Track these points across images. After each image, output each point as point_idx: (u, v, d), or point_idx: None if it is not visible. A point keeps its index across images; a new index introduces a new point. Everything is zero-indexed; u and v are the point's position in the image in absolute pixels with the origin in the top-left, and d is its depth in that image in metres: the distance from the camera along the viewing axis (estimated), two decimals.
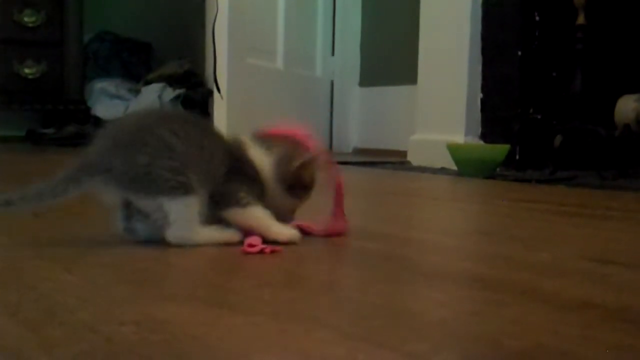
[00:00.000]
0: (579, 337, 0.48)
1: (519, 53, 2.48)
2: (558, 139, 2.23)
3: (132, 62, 4.11)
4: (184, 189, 0.75)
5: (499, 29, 2.52)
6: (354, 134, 3.54)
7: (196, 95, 3.63)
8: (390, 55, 3.32)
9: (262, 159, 0.84)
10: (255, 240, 0.79)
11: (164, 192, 0.75)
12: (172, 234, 0.77)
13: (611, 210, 1.36)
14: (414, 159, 2.70)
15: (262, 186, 0.83)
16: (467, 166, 2.21)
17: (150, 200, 0.76)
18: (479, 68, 2.56)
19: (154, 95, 3.53)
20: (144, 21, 4.23)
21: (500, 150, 2.23)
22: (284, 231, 0.82)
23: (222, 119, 2.46)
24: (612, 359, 0.44)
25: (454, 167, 2.31)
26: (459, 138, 2.52)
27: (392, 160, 2.77)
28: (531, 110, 2.51)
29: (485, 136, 2.57)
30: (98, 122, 3.39)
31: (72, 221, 1.01)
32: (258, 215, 0.82)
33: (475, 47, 2.54)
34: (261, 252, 0.76)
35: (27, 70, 3.37)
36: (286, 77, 2.93)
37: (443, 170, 2.39)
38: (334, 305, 0.57)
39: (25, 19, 3.35)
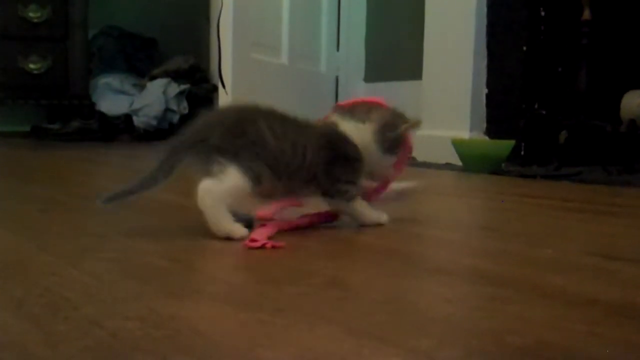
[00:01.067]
0: (583, 334, 0.48)
1: (524, 48, 2.47)
2: (563, 135, 2.22)
3: (137, 57, 4.11)
4: (252, 175, 0.82)
5: (504, 24, 2.51)
6: None
7: (201, 91, 3.63)
8: (395, 51, 3.32)
9: (356, 131, 0.92)
10: (258, 235, 0.79)
11: (237, 165, 0.82)
12: (207, 186, 0.81)
13: (616, 206, 1.35)
14: (418, 154, 2.69)
15: (360, 161, 0.92)
16: (471, 162, 2.21)
17: (221, 165, 0.82)
18: (484, 63, 2.56)
19: (158, 91, 3.53)
20: (149, 16, 4.23)
21: (505, 145, 2.23)
22: (381, 216, 0.95)
23: None
24: (616, 356, 0.44)
25: (459, 163, 2.30)
26: (464, 133, 2.51)
27: None
28: (536, 106, 2.50)
29: (490, 132, 2.56)
30: (103, 117, 3.40)
31: (76, 216, 1.01)
32: (358, 208, 0.93)
33: (480, 43, 2.54)
34: (263, 247, 0.76)
35: (32, 66, 3.37)
36: (291, 72, 2.93)
37: (448, 166, 2.39)
38: (338, 301, 0.57)
39: (31, 14, 3.35)
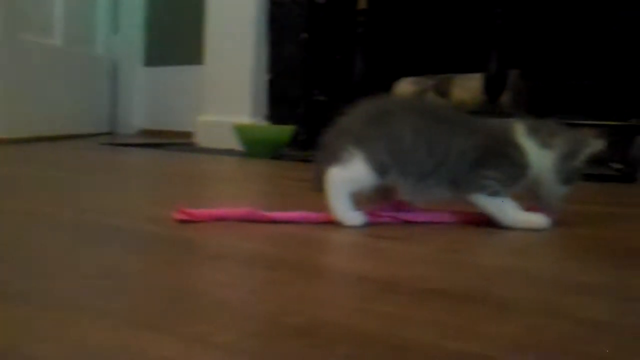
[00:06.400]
0: (355, 310, 0.50)
1: (304, 35, 2.53)
2: None
3: None
4: (377, 166, 0.87)
5: (284, 11, 2.56)
6: (139, 115, 3.45)
7: None
8: (176, 35, 3.27)
9: (537, 153, 0.89)
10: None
11: (366, 154, 0.87)
12: (332, 172, 0.88)
13: None
14: (201, 140, 2.68)
15: (522, 169, 0.89)
16: (253, 147, 2.23)
17: (354, 149, 0.87)
18: (265, 50, 2.59)
19: None
20: None
21: (285, 131, 2.27)
22: (531, 218, 0.90)
23: None
24: (384, 329, 0.46)
25: (241, 148, 2.32)
26: (246, 119, 2.54)
27: (179, 142, 2.73)
28: (316, 92, 2.58)
29: (272, 117, 2.60)
30: None
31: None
32: (506, 209, 0.89)
33: (261, 29, 2.57)
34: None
35: None
36: (64, 54, 2.79)
37: (230, 152, 2.40)
38: (113, 292, 0.55)
39: None
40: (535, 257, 0.77)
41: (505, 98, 2.15)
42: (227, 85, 2.62)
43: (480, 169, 0.88)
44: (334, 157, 0.89)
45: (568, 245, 0.84)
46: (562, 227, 0.91)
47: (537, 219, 0.90)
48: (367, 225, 0.89)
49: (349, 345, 0.42)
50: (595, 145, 0.91)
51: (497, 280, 0.63)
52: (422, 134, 0.87)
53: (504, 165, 0.88)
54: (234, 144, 2.38)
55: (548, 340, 0.45)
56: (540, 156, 0.90)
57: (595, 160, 0.93)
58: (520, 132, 0.91)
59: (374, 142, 0.87)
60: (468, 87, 2.27)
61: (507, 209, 0.89)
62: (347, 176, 0.87)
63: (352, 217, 0.88)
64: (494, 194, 0.88)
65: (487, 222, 0.91)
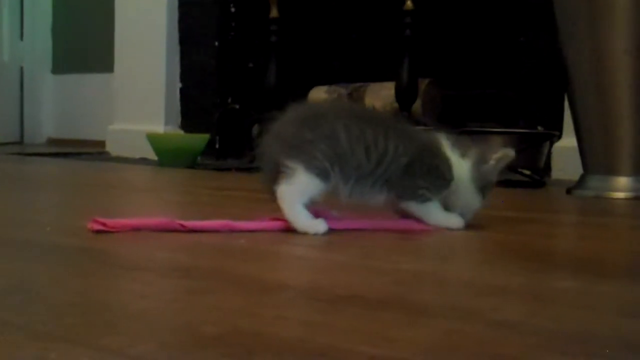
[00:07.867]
0: (273, 318, 0.50)
1: (216, 43, 2.52)
2: (256, 128, 2.30)
3: None
4: (319, 172, 0.86)
5: (195, 19, 2.54)
6: (48, 124, 3.36)
7: None
8: (85, 42, 3.20)
9: (456, 160, 0.93)
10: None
11: (305, 163, 0.86)
12: (281, 190, 0.87)
13: None
14: (113, 149, 2.63)
15: (447, 182, 0.92)
16: (167, 156, 2.20)
17: (293, 163, 0.86)
18: (177, 58, 2.57)
19: None
20: None
21: (200, 139, 2.26)
22: (453, 220, 0.93)
23: None
24: (302, 335, 0.46)
25: (155, 157, 2.29)
26: (159, 128, 2.51)
27: (90, 151, 2.67)
28: (229, 100, 2.57)
29: (185, 126, 2.58)
30: None
31: None
32: (431, 210, 0.93)
33: (172, 37, 2.55)
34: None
35: None
36: None
37: (143, 161, 2.36)
38: (24, 305, 0.53)
39: None
40: (450, 261, 0.79)
41: (417, 106, 2.19)
42: (138, 94, 2.58)
43: (412, 178, 0.90)
44: (274, 167, 0.89)
45: (481, 249, 0.86)
46: (475, 232, 0.93)
47: (455, 220, 0.93)
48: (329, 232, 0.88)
49: (267, 354, 0.42)
50: (504, 152, 0.95)
51: (414, 286, 0.64)
52: (358, 135, 0.88)
53: (432, 177, 0.91)
54: (147, 153, 2.34)
55: (462, 343, 0.46)
56: (459, 167, 0.93)
57: (507, 167, 0.96)
58: (446, 145, 0.94)
59: (310, 146, 0.86)
60: (381, 95, 2.30)
61: (433, 211, 0.93)
62: (294, 190, 0.87)
63: (314, 225, 0.87)
64: (425, 200, 0.92)
65: (403, 230, 0.93)
